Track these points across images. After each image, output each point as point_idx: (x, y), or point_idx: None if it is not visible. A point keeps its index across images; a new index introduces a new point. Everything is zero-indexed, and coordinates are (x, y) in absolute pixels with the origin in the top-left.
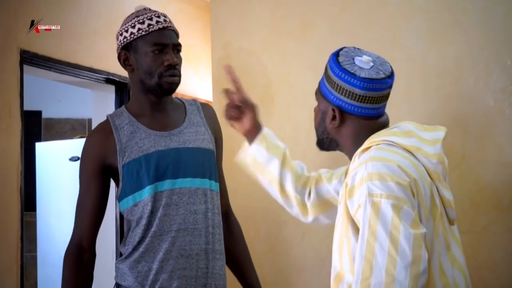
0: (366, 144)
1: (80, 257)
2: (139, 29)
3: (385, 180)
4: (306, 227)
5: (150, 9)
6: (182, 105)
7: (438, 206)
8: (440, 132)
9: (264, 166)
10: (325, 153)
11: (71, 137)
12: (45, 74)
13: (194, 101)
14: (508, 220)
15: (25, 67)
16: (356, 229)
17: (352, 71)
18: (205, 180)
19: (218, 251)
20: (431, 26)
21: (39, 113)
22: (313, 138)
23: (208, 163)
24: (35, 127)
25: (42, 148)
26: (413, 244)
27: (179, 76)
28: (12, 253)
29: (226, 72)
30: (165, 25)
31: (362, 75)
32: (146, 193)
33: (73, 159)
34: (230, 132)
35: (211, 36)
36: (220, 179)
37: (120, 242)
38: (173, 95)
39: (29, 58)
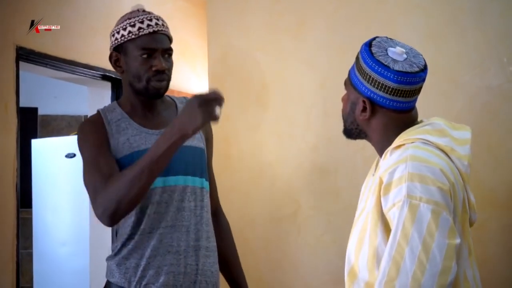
0: (398, 141)
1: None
2: (129, 32)
3: (427, 184)
4: (302, 225)
5: (144, 11)
6: (173, 103)
7: (468, 211)
8: (467, 132)
9: None
10: (321, 152)
11: (67, 133)
12: (41, 71)
13: (185, 98)
14: (503, 217)
15: (21, 63)
16: (385, 226)
17: (386, 63)
18: (196, 178)
19: (209, 248)
20: (428, 23)
21: (35, 109)
22: (310, 135)
23: (199, 161)
24: (31, 124)
25: (38, 145)
26: (446, 255)
27: (168, 80)
28: (8, 249)
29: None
30: (156, 29)
31: (396, 67)
32: None
33: (69, 155)
34: (224, 131)
35: (207, 33)
36: (211, 178)
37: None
38: (168, 93)
39: (25, 55)
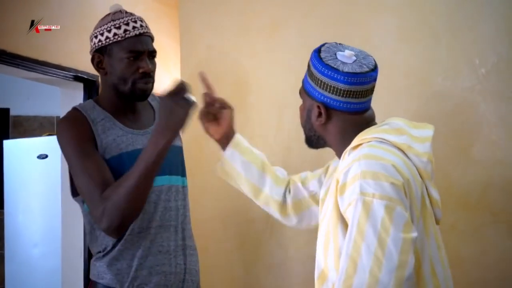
0: (356, 141)
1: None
2: (115, 34)
3: (379, 180)
4: (274, 226)
5: (126, 12)
6: (146, 102)
7: (428, 207)
8: (429, 130)
9: (240, 171)
10: (293, 152)
11: (39, 134)
12: (13, 72)
13: (153, 96)
14: (475, 218)
15: None
16: (345, 226)
17: (334, 66)
18: (178, 177)
19: (192, 247)
20: (400, 25)
21: (7, 110)
22: (282, 136)
23: (180, 160)
24: (3, 125)
25: (10, 146)
26: (401, 249)
27: (153, 83)
28: None
29: (201, 79)
30: (142, 31)
31: (345, 69)
32: None
33: (41, 156)
34: (196, 132)
35: (180, 34)
36: None
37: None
38: None
39: None
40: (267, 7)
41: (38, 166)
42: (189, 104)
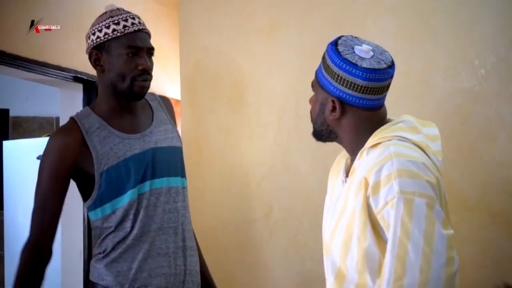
0: (373, 139)
1: (38, 255)
2: (114, 29)
3: (416, 178)
4: (274, 227)
5: (123, 10)
6: (145, 102)
7: (447, 205)
8: (435, 129)
9: None
10: (293, 152)
11: (39, 135)
12: (13, 72)
13: (153, 95)
14: (475, 219)
15: None
16: (373, 226)
17: (353, 61)
18: (178, 179)
19: (192, 247)
20: (399, 26)
21: (6, 111)
22: (282, 137)
23: (180, 161)
24: (2, 126)
25: (9, 147)
26: (447, 245)
27: (150, 80)
28: None
29: None
30: (140, 28)
31: (364, 65)
32: (126, 198)
33: (40, 157)
34: (196, 133)
35: (179, 35)
36: None
37: (89, 243)
38: None
39: None
40: (267, 8)
41: (38, 166)
42: None
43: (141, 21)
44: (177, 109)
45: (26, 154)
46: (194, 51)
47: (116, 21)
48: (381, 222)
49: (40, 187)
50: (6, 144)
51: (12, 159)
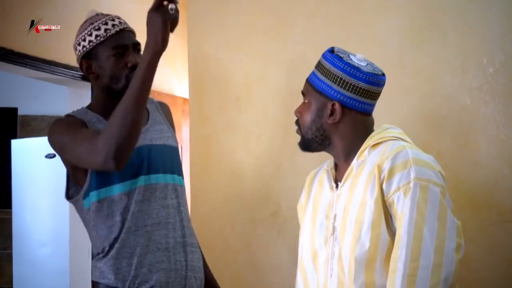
0: (372, 140)
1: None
2: (96, 35)
3: (431, 168)
4: (282, 225)
5: (102, 14)
6: None
7: None
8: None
9: None
10: (301, 151)
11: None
12: (21, 71)
13: (151, 99)
14: (482, 218)
15: (1, 63)
16: (385, 213)
17: (356, 65)
18: (175, 176)
19: (194, 244)
20: (407, 24)
21: (14, 110)
22: (290, 136)
23: (176, 160)
24: (11, 124)
25: (18, 145)
26: (457, 232)
27: None
28: None
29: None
30: (122, 27)
31: (365, 69)
32: (117, 190)
33: (49, 156)
34: (204, 132)
35: (187, 33)
36: None
37: None
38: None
39: (4, 55)
40: (274, 7)
41: (46, 165)
42: (165, 11)
43: (122, 21)
44: (185, 108)
45: (34, 153)
46: (202, 50)
47: (96, 27)
48: (390, 208)
49: (69, 137)
50: (14, 143)
51: (20, 158)
